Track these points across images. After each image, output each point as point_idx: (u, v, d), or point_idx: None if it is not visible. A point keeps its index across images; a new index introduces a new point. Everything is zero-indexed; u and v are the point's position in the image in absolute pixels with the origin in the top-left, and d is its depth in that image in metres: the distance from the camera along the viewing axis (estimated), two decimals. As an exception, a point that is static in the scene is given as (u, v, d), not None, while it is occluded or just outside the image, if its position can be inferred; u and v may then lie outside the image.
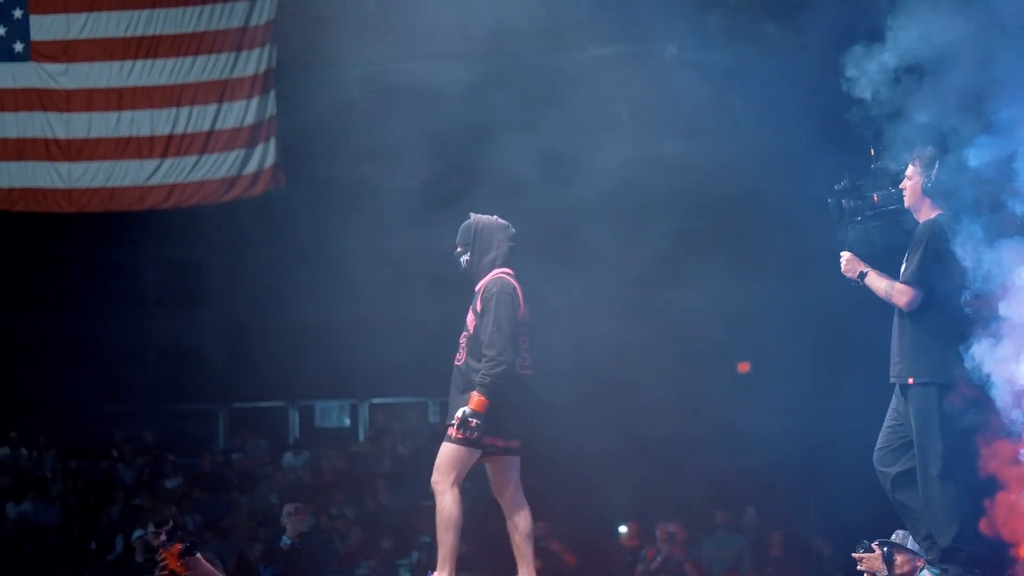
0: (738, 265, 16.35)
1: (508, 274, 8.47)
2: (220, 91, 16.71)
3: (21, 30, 16.88)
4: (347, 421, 24.15)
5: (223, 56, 16.76)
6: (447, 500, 8.33)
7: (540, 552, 16.29)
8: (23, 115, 16.92)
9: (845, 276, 8.26)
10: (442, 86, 15.93)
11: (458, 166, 16.57)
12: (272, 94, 16.78)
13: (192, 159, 16.76)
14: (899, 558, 8.21)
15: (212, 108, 16.73)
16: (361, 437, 22.73)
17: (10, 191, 17.05)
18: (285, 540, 13.27)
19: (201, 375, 21.51)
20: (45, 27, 16.86)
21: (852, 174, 8.33)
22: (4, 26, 16.86)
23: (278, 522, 14.83)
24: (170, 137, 16.76)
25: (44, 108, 16.91)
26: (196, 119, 16.76)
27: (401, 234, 16.46)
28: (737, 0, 15.18)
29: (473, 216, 8.65)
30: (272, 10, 16.70)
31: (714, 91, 14.67)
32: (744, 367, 18.87)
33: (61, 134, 16.90)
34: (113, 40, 16.86)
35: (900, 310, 8.05)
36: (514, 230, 8.62)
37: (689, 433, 16.92)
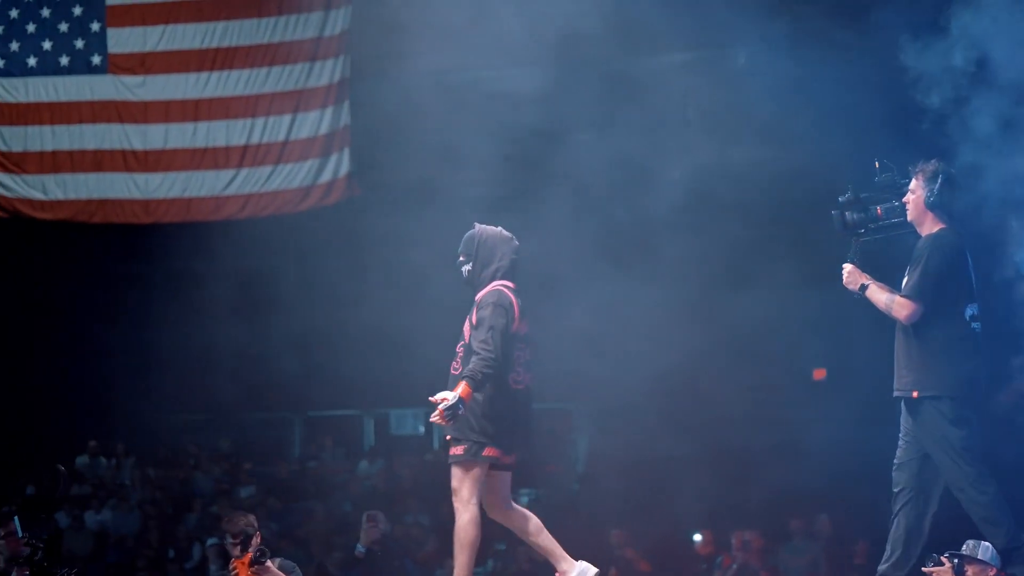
0: (809, 271, 16.26)
1: (507, 287, 8.45)
2: (295, 101, 16.82)
3: (99, 43, 17.06)
4: (422, 429, 24.20)
5: (298, 67, 16.87)
6: (463, 520, 8.30)
7: (615, 560, 16.32)
8: (101, 127, 17.10)
9: (847, 288, 8.27)
10: (514, 92, 15.95)
11: (529, 172, 16.59)
12: (346, 104, 16.87)
13: (267, 169, 16.87)
14: (970, 570, 8.13)
15: (287, 118, 16.84)
16: (436, 445, 22.77)
17: (88, 202, 17.25)
18: (360, 548, 13.32)
19: (276, 384, 21.63)
20: (122, 40, 17.04)
21: (856, 187, 8.32)
22: (82, 39, 17.05)
23: (354, 530, 14.89)
24: (245, 148, 16.89)
25: (122, 120, 17.08)
26: (271, 129, 16.87)
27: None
28: (805, 6, 15.12)
29: (477, 226, 8.66)
30: (346, 21, 16.80)
31: (784, 97, 14.61)
32: (820, 374, 18.76)
33: (138, 145, 17.06)
34: (189, 52, 17.01)
35: (902, 324, 8.05)
36: (518, 243, 8.62)
37: (761, 440, 16.84)
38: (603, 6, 14.98)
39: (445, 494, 20.37)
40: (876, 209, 8.31)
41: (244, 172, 16.88)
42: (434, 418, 8.01)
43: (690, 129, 16.51)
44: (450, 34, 15.65)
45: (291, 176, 16.88)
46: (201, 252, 18.83)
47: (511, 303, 8.32)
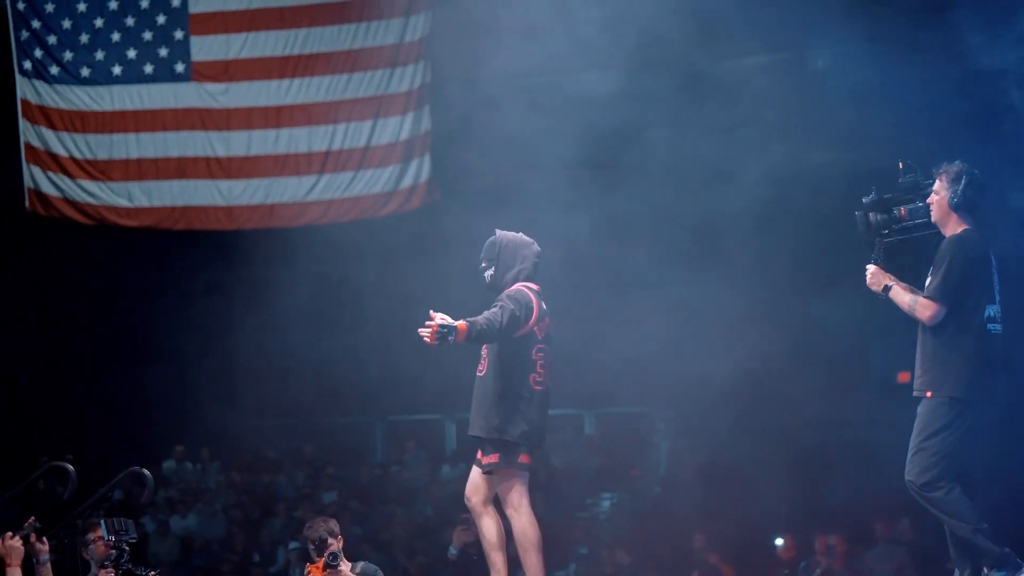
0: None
1: (529, 287, 8.53)
2: (376, 107, 16.89)
3: (182, 51, 17.22)
4: (502, 432, 24.23)
5: (378, 73, 16.93)
6: (522, 522, 8.41)
7: (699, 564, 16.25)
8: (184, 134, 17.25)
9: (870, 289, 8.27)
10: (591, 95, 15.94)
11: (606, 174, 16.57)
12: (426, 109, 16.92)
13: (348, 175, 16.95)
14: None
15: (368, 124, 16.91)
16: (517, 449, 22.78)
17: (172, 209, 17.40)
18: (452, 550, 13.33)
19: (358, 388, 21.72)
20: (205, 48, 17.18)
21: (880, 187, 8.29)
22: (166, 48, 17.21)
23: (436, 534, 14.91)
24: (327, 153, 16.98)
25: (205, 127, 17.22)
26: (352, 135, 16.95)
27: (552, 246, 16.49)
28: (883, 7, 14.99)
29: (498, 232, 8.77)
30: (426, 26, 16.84)
31: (862, 98, 14.50)
32: (904, 377, 18.58)
33: (221, 152, 17.19)
34: (271, 59, 17.12)
35: (923, 324, 8.05)
36: (539, 248, 8.70)
37: (838, 442, 16.72)
38: (681, 8, 14.93)
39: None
40: (900, 210, 8.33)
41: (326, 178, 16.97)
42: (423, 332, 8.02)
43: (767, 131, 16.42)
44: (529, 37, 15.67)
45: (372, 182, 16.95)
46: (283, 258, 18.96)
47: (529, 300, 8.39)
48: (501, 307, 8.23)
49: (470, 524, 13.06)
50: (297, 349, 20.89)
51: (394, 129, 16.89)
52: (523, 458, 8.38)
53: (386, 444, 23.49)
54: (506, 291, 8.52)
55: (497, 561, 8.48)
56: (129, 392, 22.05)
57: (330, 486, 20.86)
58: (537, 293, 8.50)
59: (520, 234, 8.74)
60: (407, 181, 16.93)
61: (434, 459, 21.75)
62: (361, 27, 16.97)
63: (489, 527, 8.44)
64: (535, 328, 8.38)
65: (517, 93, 16.95)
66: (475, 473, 8.71)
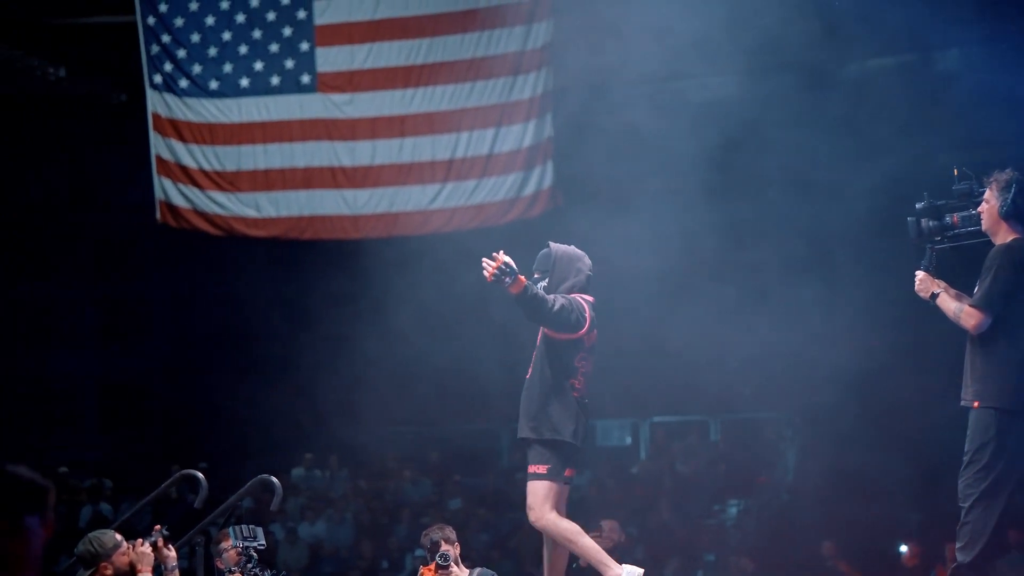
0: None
1: (584, 298, 8.54)
2: (498, 115, 16.92)
3: (308, 62, 17.38)
4: (628, 440, 24.19)
5: (501, 80, 16.96)
6: (557, 526, 8.39)
7: (827, 571, 16.09)
8: (311, 144, 17.40)
9: (919, 296, 8.21)
10: (714, 98, 15.86)
11: (728, 178, 16.47)
12: (549, 116, 16.92)
13: (472, 183, 17.00)
14: None
15: (491, 132, 16.95)
16: (642, 455, 22.73)
17: (299, 219, 17.55)
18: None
19: (484, 396, 21.81)
20: (330, 59, 17.33)
21: (932, 194, 8.14)
22: (292, 59, 17.38)
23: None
24: (450, 162, 17.04)
25: (330, 137, 17.35)
26: (475, 143, 17.00)
27: (674, 251, 16.43)
28: (1009, 6, 14.74)
29: (552, 245, 8.75)
30: (548, 33, 16.85)
31: (988, 101, 14.27)
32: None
33: (347, 162, 17.31)
34: (395, 69, 17.23)
35: (970, 334, 7.97)
36: (590, 260, 8.71)
37: (960, 449, 16.48)
38: (805, 10, 14.81)
39: (651, 502, 20.34)
40: (952, 217, 8.23)
41: (449, 186, 17.04)
42: (485, 264, 8.08)
43: (890, 134, 16.24)
44: (650, 41, 15.62)
45: (495, 189, 16.99)
46: (404, 266, 19.10)
47: (583, 308, 8.42)
48: (555, 298, 8.29)
49: (602, 530, 13.06)
50: (422, 357, 21.03)
51: (517, 136, 16.91)
52: (567, 471, 8.42)
53: (511, 450, 23.55)
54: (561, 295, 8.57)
55: (589, 548, 8.48)
56: (258, 400, 22.33)
57: (456, 493, 20.95)
58: (591, 305, 8.51)
59: (573, 247, 8.76)
60: (530, 188, 16.94)
61: (560, 466, 21.73)
62: (484, 35, 17.00)
63: (567, 528, 8.45)
64: (585, 337, 8.42)
65: (639, 98, 16.93)
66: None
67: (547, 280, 8.65)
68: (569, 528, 8.42)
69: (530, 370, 8.62)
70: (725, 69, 16.54)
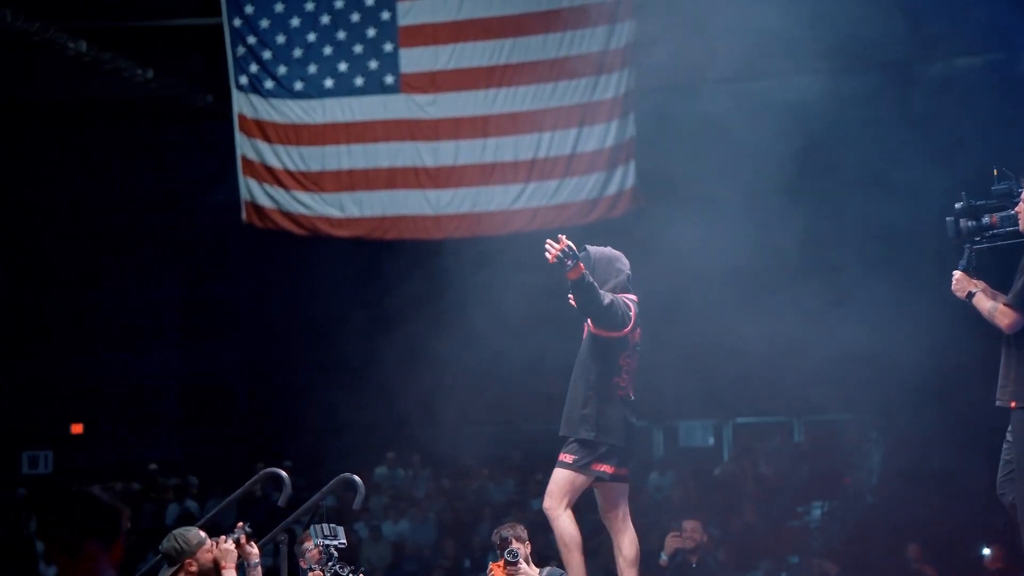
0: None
1: (628, 298, 8.61)
2: (580, 115, 16.91)
3: (392, 63, 17.45)
4: (711, 440, 24.09)
5: (583, 81, 16.95)
6: (563, 522, 8.39)
7: (913, 574, 15.93)
8: (394, 145, 17.47)
9: (955, 295, 8.15)
10: (796, 98, 15.76)
11: (813, 179, 16.37)
12: (631, 116, 16.89)
13: (554, 183, 17.00)
14: None
15: (573, 132, 16.94)
16: (725, 456, 22.63)
17: (383, 219, 17.62)
18: (663, 556, 13.30)
19: (565, 397, 21.80)
20: (414, 59, 17.39)
21: (971, 194, 8.03)
22: (376, 60, 17.46)
23: (644, 541, 14.84)
24: (533, 162, 17.05)
25: (414, 138, 17.42)
26: (558, 143, 17.00)
27: (759, 249, 16.36)
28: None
29: (589, 248, 8.79)
30: (631, 33, 16.82)
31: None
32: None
33: (430, 162, 17.36)
34: (478, 69, 17.26)
35: (1005, 333, 7.92)
36: (628, 261, 8.72)
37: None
38: (889, 8, 14.68)
39: (734, 504, 20.25)
40: (991, 217, 8.15)
41: (532, 186, 17.05)
42: (549, 245, 8.16)
43: (974, 132, 16.06)
44: (734, 41, 15.56)
45: (577, 189, 16.98)
46: (489, 266, 19.14)
47: (628, 308, 8.50)
48: (605, 293, 8.30)
49: (682, 530, 13.04)
50: (502, 356, 21.06)
51: (599, 136, 16.89)
52: (596, 465, 8.39)
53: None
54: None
55: (576, 564, 8.49)
56: (341, 399, 22.44)
57: (539, 493, 20.90)
58: (635, 303, 8.52)
59: (610, 248, 8.78)
60: (612, 188, 16.92)
61: (642, 467, 21.70)
62: (567, 36, 17.00)
63: (570, 533, 8.45)
64: (629, 335, 8.44)
65: (721, 97, 16.85)
66: (599, 494, 8.72)
67: None
68: (571, 535, 8.45)
69: (575, 370, 8.64)
70: (808, 68, 16.43)
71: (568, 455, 8.49)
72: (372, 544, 20.15)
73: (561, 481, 8.49)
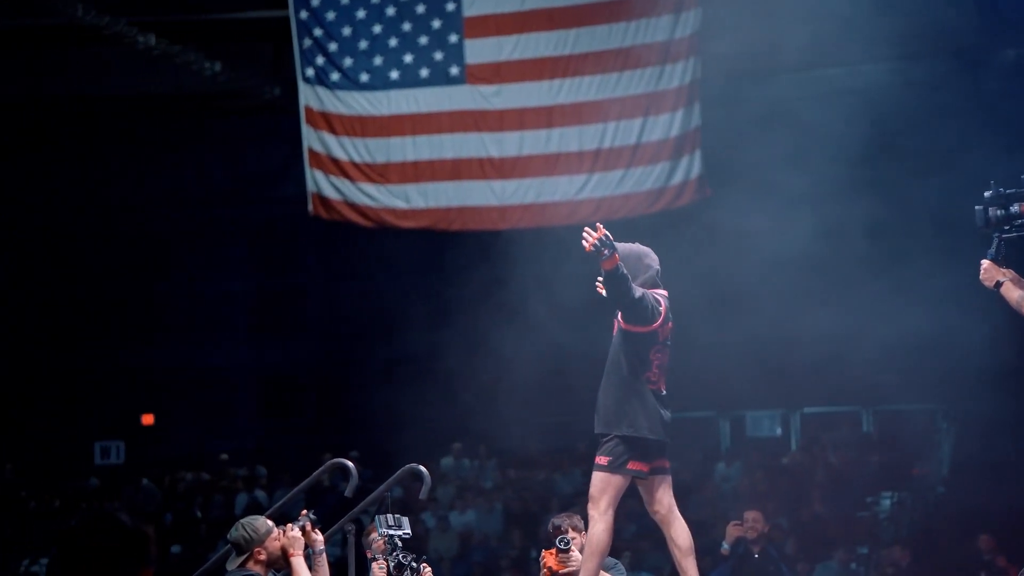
0: None
1: (658, 293, 8.54)
2: (645, 105, 16.85)
3: (457, 54, 17.47)
4: (779, 431, 23.98)
5: (648, 70, 16.89)
6: (597, 528, 8.34)
7: (984, 565, 15.79)
8: (459, 136, 17.48)
9: (983, 284, 8.08)
10: (865, 87, 15.65)
11: (881, 167, 16.25)
12: (696, 105, 16.81)
13: (618, 173, 16.95)
14: None
15: (637, 122, 16.89)
16: (793, 446, 22.52)
17: (448, 210, 17.65)
18: (724, 545, 13.26)
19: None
20: (479, 51, 17.39)
21: (1000, 184, 7.92)
22: (441, 51, 17.49)
23: (711, 531, 14.81)
24: (597, 152, 17.01)
25: (478, 129, 17.42)
26: (622, 133, 16.95)
27: (825, 238, 16.26)
28: None
29: (617, 244, 8.60)
30: (696, 22, 16.74)
31: None
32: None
33: (495, 153, 17.36)
34: (542, 60, 17.24)
35: None
36: (656, 257, 8.66)
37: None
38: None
39: (803, 494, 20.11)
40: (1020, 206, 8.05)
41: (596, 176, 17.01)
42: (587, 233, 8.13)
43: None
44: (801, 29, 15.47)
45: (642, 179, 16.93)
46: (552, 256, 19.15)
47: (658, 303, 8.43)
48: (636, 288, 8.30)
49: (744, 520, 12.99)
50: (570, 348, 21.06)
51: (664, 126, 16.83)
52: (632, 464, 8.36)
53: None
54: None
55: (593, 571, 8.45)
56: (408, 390, 22.52)
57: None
58: (665, 299, 8.51)
59: (638, 244, 8.75)
60: (677, 177, 16.85)
61: (709, 457, 21.65)
62: (631, 25, 16.94)
63: (601, 540, 8.42)
64: (659, 330, 8.40)
65: (788, 85, 16.75)
66: (642, 489, 8.69)
67: None
68: (597, 542, 8.41)
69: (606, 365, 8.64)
70: (877, 54, 16.29)
71: (603, 456, 8.48)
72: (440, 534, 20.22)
73: (600, 484, 8.48)
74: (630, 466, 8.40)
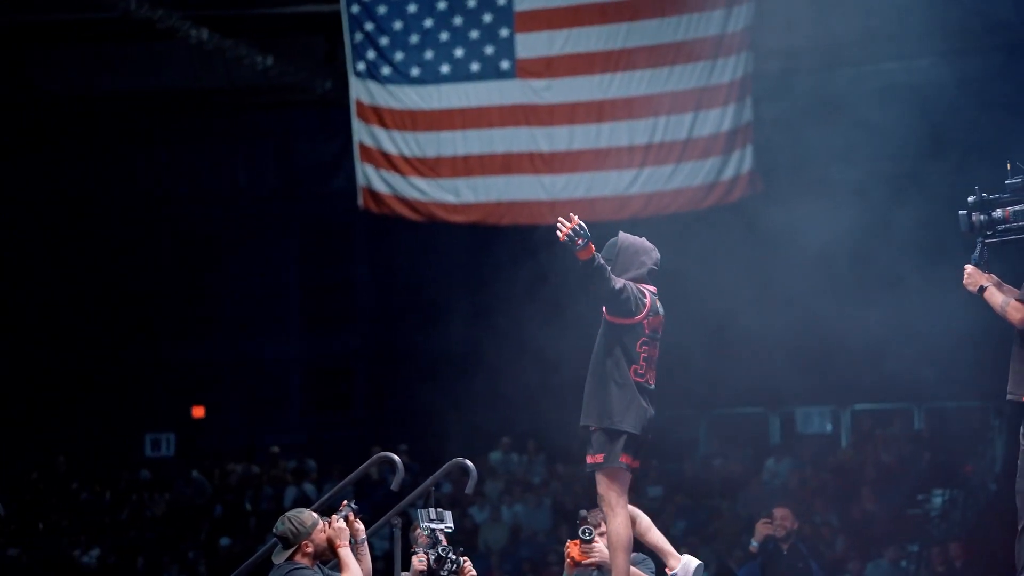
0: None
1: (646, 288, 8.48)
2: (696, 99, 16.80)
3: (507, 49, 17.46)
4: (829, 427, 23.87)
5: (700, 65, 16.84)
6: (616, 522, 8.33)
7: None
8: (509, 130, 17.48)
9: (967, 289, 8.08)
10: (919, 83, 15.53)
11: (932, 163, 16.12)
12: (748, 100, 16.74)
13: (669, 168, 16.91)
14: None
15: (688, 117, 16.83)
16: (844, 443, 22.40)
17: (498, 204, 17.65)
18: (753, 543, 13.23)
19: (683, 383, 21.72)
20: (530, 45, 17.38)
21: (984, 188, 7.83)
22: (492, 45, 17.48)
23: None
24: (648, 147, 16.97)
25: (529, 123, 17.41)
26: (673, 128, 16.90)
27: (876, 234, 16.17)
28: None
29: (621, 235, 8.69)
30: (749, 16, 16.66)
31: None
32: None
33: (545, 147, 17.35)
34: (594, 54, 17.22)
35: (1017, 328, 7.81)
36: (658, 255, 8.61)
37: None
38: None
39: (852, 493, 19.97)
40: (1004, 212, 8.06)
41: (647, 171, 16.96)
42: (561, 223, 8.11)
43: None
44: (855, 23, 15.38)
45: (693, 174, 16.87)
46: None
47: (641, 294, 8.38)
48: (615, 278, 8.26)
49: (772, 518, 12.97)
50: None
51: (715, 121, 16.77)
52: (624, 458, 8.34)
53: (709, 438, 23.39)
54: None
55: (622, 567, 8.43)
56: (455, 384, 22.53)
57: (656, 480, 20.89)
58: (653, 294, 8.46)
59: (643, 239, 8.70)
60: (728, 173, 16.79)
61: (758, 454, 21.56)
62: (683, 19, 16.90)
63: (623, 535, 8.39)
64: (644, 322, 8.36)
65: (839, 80, 16.65)
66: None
67: (609, 268, 8.63)
68: (620, 536, 8.40)
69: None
70: (930, 49, 16.17)
71: (596, 455, 8.47)
72: (491, 525, 20.25)
73: (603, 482, 8.47)
74: (621, 459, 8.41)
